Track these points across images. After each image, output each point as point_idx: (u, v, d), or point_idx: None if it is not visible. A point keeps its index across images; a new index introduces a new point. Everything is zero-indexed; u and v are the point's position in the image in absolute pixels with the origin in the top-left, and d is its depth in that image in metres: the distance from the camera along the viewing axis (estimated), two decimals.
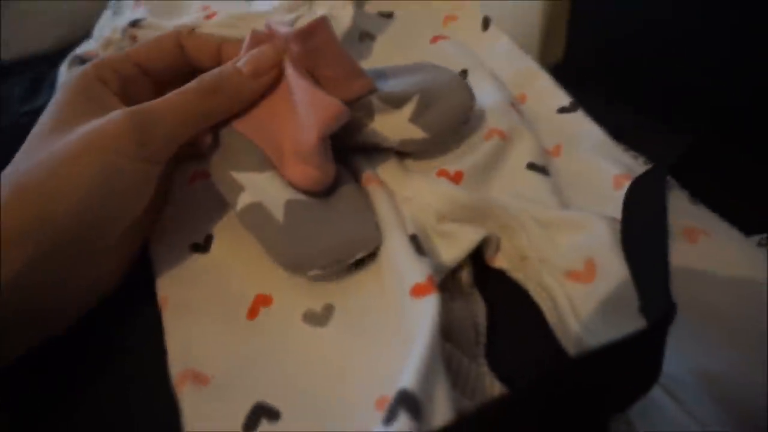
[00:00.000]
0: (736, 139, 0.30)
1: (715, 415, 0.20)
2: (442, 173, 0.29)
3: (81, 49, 0.40)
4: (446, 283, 0.25)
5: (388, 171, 0.29)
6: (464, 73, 0.35)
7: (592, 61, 0.44)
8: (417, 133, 0.28)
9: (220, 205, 0.28)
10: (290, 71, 0.26)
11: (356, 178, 0.28)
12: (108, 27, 0.40)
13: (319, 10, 0.37)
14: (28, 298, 0.21)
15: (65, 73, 0.39)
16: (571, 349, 0.23)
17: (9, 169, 0.22)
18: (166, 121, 0.24)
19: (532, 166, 0.29)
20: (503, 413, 0.17)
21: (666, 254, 0.21)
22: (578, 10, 0.44)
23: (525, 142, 0.30)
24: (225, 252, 0.27)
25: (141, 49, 0.27)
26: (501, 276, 0.27)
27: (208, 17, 0.36)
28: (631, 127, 0.34)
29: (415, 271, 0.23)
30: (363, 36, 0.39)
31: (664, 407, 0.20)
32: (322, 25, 0.26)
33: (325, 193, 0.26)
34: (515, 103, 0.33)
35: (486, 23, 0.39)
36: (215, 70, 0.25)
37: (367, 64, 0.29)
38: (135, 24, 0.36)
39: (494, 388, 0.22)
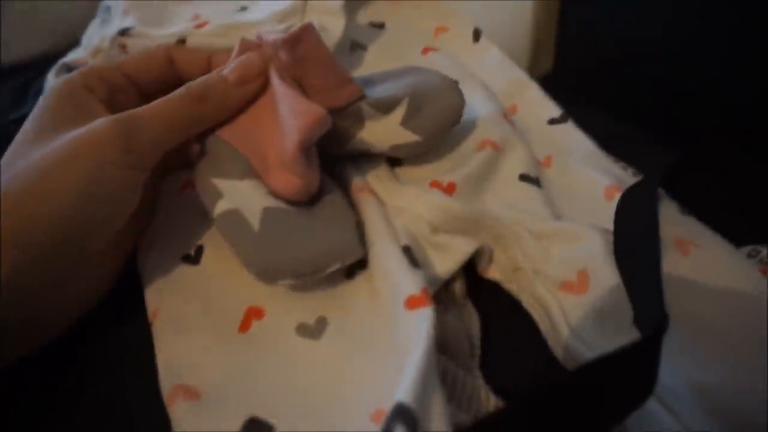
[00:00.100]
0: (724, 151, 0.31)
1: (708, 426, 0.20)
2: (435, 184, 0.29)
3: (69, 57, 0.39)
4: (439, 294, 0.25)
5: (379, 181, 0.29)
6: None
7: (580, 72, 0.45)
8: (409, 136, 0.28)
9: None
10: (275, 79, 0.26)
11: (346, 187, 0.28)
12: (97, 35, 0.39)
13: (312, 21, 0.37)
14: (19, 302, 0.21)
15: (53, 81, 0.38)
16: (565, 360, 0.23)
17: None
18: (152, 128, 0.24)
19: (524, 177, 0.29)
20: (500, 427, 0.17)
21: (659, 266, 0.21)
22: (567, 22, 0.45)
23: (517, 153, 0.30)
24: (216, 263, 0.27)
25: (130, 61, 0.28)
26: (494, 287, 0.27)
27: (199, 26, 0.36)
28: (618, 137, 0.34)
29: (409, 283, 0.22)
30: (354, 46, 0.39)
31: (659, 419, 0.20)
32: (308, 31, 0.26)
33: (308, 202, 0.26)
34: (507, 114, 0.33)
35: (477, 35, 0.39)
36: (201, 78, 0.25)
37: (358, 74, 0.29)
38: (124, 33, 0.36)
39: (490, 401, 0.22)
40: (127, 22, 0.37)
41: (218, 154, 0.26)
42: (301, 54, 0.26)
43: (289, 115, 0.24)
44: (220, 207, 0.24)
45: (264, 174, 0.25)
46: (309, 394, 0.22)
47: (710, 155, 0.31)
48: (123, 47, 0.36)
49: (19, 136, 0.24)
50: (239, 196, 0.25)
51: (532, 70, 0.43)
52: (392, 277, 0.23)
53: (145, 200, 0.26)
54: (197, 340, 0.24)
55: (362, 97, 0.27)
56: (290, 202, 0.25)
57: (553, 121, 0.33)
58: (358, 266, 0.25)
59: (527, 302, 0.25)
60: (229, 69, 0.26)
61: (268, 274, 0.24)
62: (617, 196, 0.26)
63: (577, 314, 0.24)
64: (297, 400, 0.22)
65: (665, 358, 0.19)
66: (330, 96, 0.26)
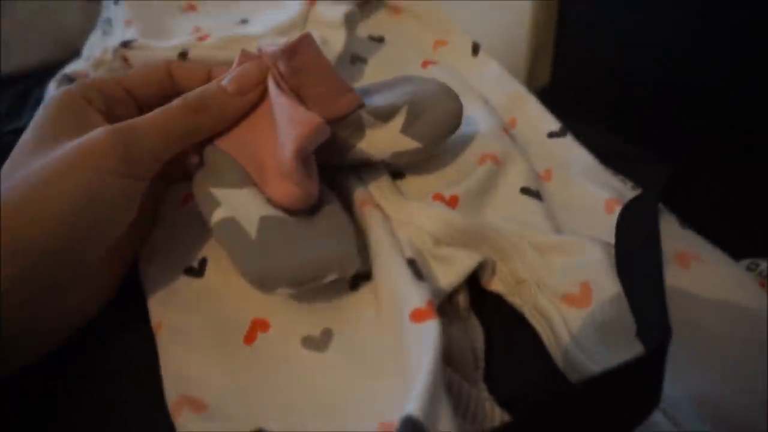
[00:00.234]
0: (723, 165, 0.31)
1: None
2: (438, 197, 0.29)
3: (70, 68, 0.39)
4: (443, 307, 0.25)
5: (383, 195, 0.29)
6: None
7: (578, 84, 0.46)
8: (410, 143, 0.28)
9: None
10: (273, 89, 0.26)
11: (349, 200, 0.28)
12: (98, 47, 0.40)
13: (312, 33, 0.37)
14: (19, 310, 0.21)
15: (54, 91, 0.38)
16: (569, 372, 0.24)
17: None
18: (150, 137, 0.24)
19: (525, 191, 0.29)
20: None
21: (662, 279, 0.21)
22: (564, 36, 0.45)
23: (518, 167, 0.30)
24: (219, 275, 0.27)
25: (130, 76, 0.28)
26: (497, 300, 0.27)
27: (201, 39, 0.36)
28: (617, 150, 0.34)
29: (414, 295, 0.23)
30: (354, 59, 0.39)
31: (661, 428, 0.20)
32: (305, 42, 0.26)
33: (306, 212, 0.26)
34: (507, 128, 0.33)
35: (476, 49, 0.40)
36: (200, 88, 0.26)
37: (358, 86, 0.29)
38: (126, 45, 0.36)
39: (494, 413, 0.22)
40: (129, 34, 0.37)
41: (216, 163, 0.26)
42: (298, 64, 0.26)
43: (287, 124, 0.25)
44: (217, 215, 0.25)
45: (262, 183, 0.25)
46: (316, 407, 0.22)
47: (709, 168, 0.31)
48: (125, 59, 0.36)
49: (19, 146, 0.24)
50: (237, 205, 0.25)
51: (529, 84, 0.43)
52: (397, 290, 0.23)
53: (146, 210, 0.26)
54: (202, 352, 0.24)
55: (361, 106, 0.27)
56: (288, 211, 0.25)
57: (552, 135, 0.34)
58: (362, 278, 0.25)
59: (530, 314, 0.26)
60: (227, 79, 0.26)
61: (263, 282, 0.23)
62: (617, 209, 0.27)
63: (579, 326, 0.24)
64: (304, 413, 0.22)
65: (666, 369, 0.19)
66: (329, 105, 0.27)
